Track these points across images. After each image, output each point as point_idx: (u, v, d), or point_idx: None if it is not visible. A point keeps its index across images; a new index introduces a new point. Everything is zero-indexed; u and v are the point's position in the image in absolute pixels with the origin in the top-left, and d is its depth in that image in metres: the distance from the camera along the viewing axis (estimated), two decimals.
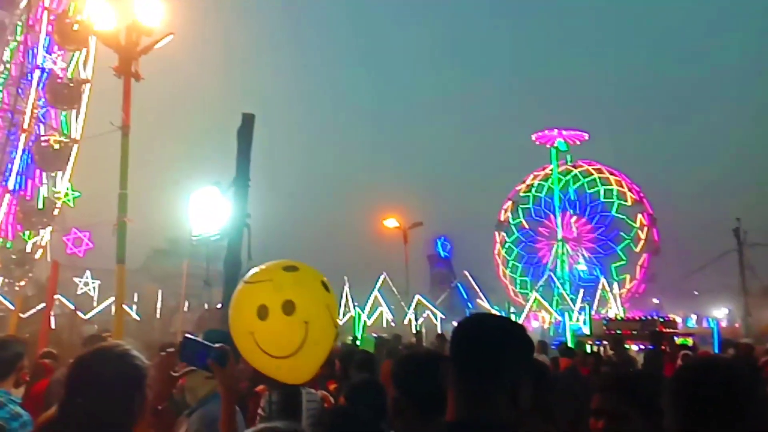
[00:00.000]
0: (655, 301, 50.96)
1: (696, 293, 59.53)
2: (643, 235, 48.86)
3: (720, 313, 52.03)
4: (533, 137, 54.37)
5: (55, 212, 29.87)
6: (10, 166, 28.82)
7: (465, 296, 42.08)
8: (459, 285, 44.46)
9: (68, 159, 29.62)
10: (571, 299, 41.87)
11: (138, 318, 29.66)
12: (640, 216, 49.42)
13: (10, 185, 28.53)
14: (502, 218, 53.58)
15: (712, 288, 54.23)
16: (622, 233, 49.51)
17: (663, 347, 11.91)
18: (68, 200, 30.32)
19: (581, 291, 41.73)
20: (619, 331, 19.62)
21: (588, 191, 51.10)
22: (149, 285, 34.17)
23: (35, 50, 29.63)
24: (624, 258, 48.70)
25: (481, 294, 39.76)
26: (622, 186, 49.98)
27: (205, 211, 6.06)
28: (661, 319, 21.12)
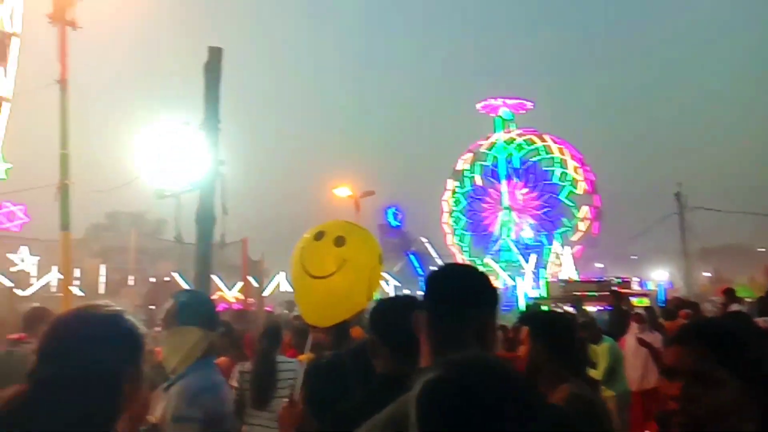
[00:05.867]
0: (599, 265, 52.50)
1: (634, 257, 61.87)
2: (583, 228, 49.60)
3: (658, 275, 54.21)
4: (478, 106, 54.55)
5: None
6: None
7: (418, 265, 42.15)
8: (411, 255, 44.43)
9: None
10: (518, 265, 42.59)
11: (82, 294, 28.24)
12: (586, 208, 50.08)
13: None
14: (458, 167, 53.29)
15: (647, 252, 56.39)
16: (564, 219, 50.25)
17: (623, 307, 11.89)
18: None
19: (534, 256, 42.40)
20: (576, 293, 19.85)
21: (544, 168, 51.42)
22: (90, 260, 32.63)
23: None
24: (560, 242, 49.31)
25: (440, 260, 39.86)
26: (578, 174, 50.42)
27: (172, 157, 5.35)
28: (618, 280, 21.48)
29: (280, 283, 29.37)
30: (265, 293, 27.26)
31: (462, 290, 1.81)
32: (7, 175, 29.38)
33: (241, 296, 18.45)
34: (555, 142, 51.48)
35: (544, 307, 18.74)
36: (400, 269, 40.76)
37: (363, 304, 3.56)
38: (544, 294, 25.58)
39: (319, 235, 3.42)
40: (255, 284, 22.50)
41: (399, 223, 55.21)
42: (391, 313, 2.47)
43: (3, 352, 5.46)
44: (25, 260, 30.11)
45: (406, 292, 37.31)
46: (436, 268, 2.00)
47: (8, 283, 23.64)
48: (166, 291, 22.74)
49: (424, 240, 43.80)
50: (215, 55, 5.35)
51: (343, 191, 32.05)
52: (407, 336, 2.22)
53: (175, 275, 26.33)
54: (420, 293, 1.93)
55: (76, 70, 10.49)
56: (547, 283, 27.43)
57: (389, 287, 34.98)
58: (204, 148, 5.26)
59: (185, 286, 26.56)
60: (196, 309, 3.12)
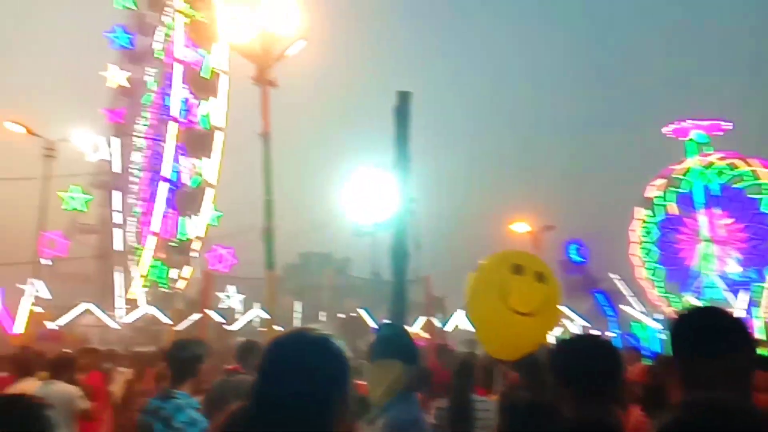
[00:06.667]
0: None
1: None
2: None
3: None
4: (667, 130, 50.41)
5: (193, 252, 32.14)
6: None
7: (607, 304, 39.51)
8: (598, 294, 41.77)
9: (203, 201, 32.06)
10: (726, 303, 37.99)
11: (281, 329, 30.62)
12: None
13: (154, 227, 30.94)
14: (649, 194, 49.07)
15: None
16: None
17: None
18: (212, 221, 32.63)
19: (744, 294, 37.65)
20: None
21: (750, 195, 45.62)
22: (286, 297, 35.41)
23: (169, 101, 31.94)
24: None
25: (631, 298, 37.08)
26: None
27: (367, 196, 5.66)
28: None
29: (460, 321, 29.34)
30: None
31: (715, 332, 1.75)
32: (218, 222, 33.50)
33: (424, 334, 18.68)
34: (765, 167, 45.50)
35: (763, 351, 16.36)
36: (587, 309, 38.56)
37: (543, 339, 3.50)
38: (762, 336, 22.50)
39: (517, 269, 3.38)
40: (437, 322, 22.66)
41: (582, 259, 52.35)
42: (573, 354, 2.38)
43: (219, 381, 6.04)
44: (231, 297, 33.54)
45: (595, 332, 35.05)
46: (685, 311, 1.95)
47: (219, 319, 26.32)
48: (355, 326, 23.83)
49: (614, 276, 40.94)
50: (404, 98, 5.63)
51: (520, 227, 31.33)
52: (593, 378, 2.21)
53: (362, 311, 27.49)
54: (609, 335, 1.90)
55: (276, 123, 11.65)
56: (766, 324, 24.10)
57: (575, 327, 33.24)
58: (395, 187, 5.50)
59: (371, 322, 27.64)
60: (397, 343, 3.19)
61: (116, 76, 32.48)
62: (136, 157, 33.67)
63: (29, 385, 5.85)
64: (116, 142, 32.29)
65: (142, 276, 30.55)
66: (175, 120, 31.33)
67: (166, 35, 33.16)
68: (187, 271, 32.08)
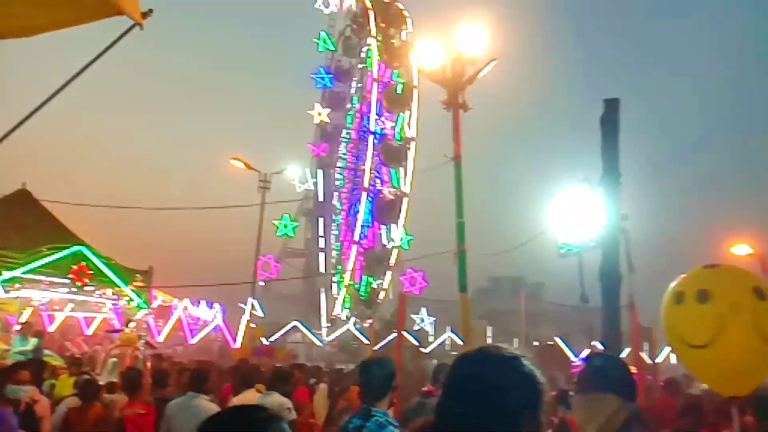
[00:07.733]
0: None
1: None
2: None
3: None
4: None
5: (392, 260, 34.07)
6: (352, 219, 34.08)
7: None
8: None
9: (400, 211, 33.88)
10: None
11: None
12: None
13: (356, 236, 33.14)
14: None
15: None
16: None
17: None
18: (403, 244, 34.02)
19: None
20: None
21: None
22: (476, 321, 35.25)
23: (368, 116, 34.55)
24: None
25: None
26: None
27: (572, 215, 5.32)
28: None
29: (672, 355, 26.56)
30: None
31: None
32: (409, 246, 34.62)
33: (631, 367, 17.06)
34: None
35: None
36: None
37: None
38: None
39: (678, 298, 2.89)
40: (645, 355, 20.73)
41: None
42: None
43: (416, 402, 6.04)
44: (423, 320, 34.21)
45: None
46: None
47: (414, 342, 26.88)
48: (551, 355, 22.77)
49: None
50: (612, 106, 5.19)
51: (742, 249, 27.60)
52: None
53: (558, 340, 26.24)
54: None
55: (469, 145, 11.59)
56: None
57: None
58: (604, 203, 5.06)
59: (568, 351, 26.22)
60: (611, 375, 2.91)
61: (321, 114, 35.54)
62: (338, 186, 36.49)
63: (250, 396, 6.33)
64: (320, 173, 35.10)
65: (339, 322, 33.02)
66: (372, 132, 33.93)
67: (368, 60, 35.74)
68: (386, 278, 34.13)
